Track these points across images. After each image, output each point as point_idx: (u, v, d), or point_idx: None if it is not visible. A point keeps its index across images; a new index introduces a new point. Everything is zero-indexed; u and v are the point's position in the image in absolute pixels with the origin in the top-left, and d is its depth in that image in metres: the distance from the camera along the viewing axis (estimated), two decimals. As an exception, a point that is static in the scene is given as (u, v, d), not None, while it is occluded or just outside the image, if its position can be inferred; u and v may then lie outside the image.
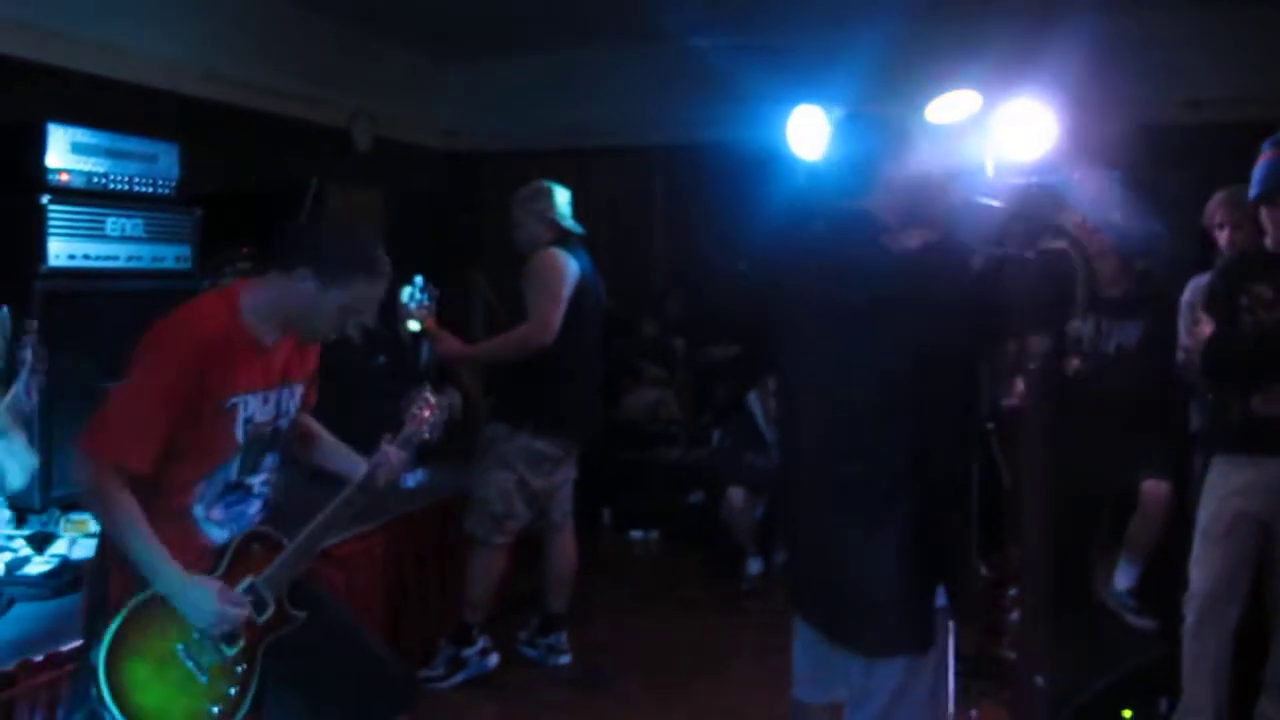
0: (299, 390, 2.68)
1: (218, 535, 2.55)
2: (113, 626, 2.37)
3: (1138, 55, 6.28)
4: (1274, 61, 6.27)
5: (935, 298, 2.37)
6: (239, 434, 2.49)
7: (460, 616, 4.39)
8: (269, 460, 2.64)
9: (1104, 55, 5.67)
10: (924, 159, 2.54)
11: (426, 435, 2.80)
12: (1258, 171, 3.34)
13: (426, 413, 2.83)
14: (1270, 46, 6.30)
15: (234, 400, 2.46)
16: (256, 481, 2.63)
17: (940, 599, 2.45)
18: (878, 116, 2.66)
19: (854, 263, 2.47)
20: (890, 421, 2.40)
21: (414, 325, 4.21)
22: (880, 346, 2.39)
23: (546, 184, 4.43)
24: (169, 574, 2.40)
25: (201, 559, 2.50)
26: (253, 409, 2.51)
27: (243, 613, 2.48)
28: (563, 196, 4.42)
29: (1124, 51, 6.06)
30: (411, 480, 4.81)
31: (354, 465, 2.78)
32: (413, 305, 4.20)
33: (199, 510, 2.51)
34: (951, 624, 2.50)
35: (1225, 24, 6.41)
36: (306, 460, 2.93)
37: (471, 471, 4.43)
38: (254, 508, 2.63)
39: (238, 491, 2.58)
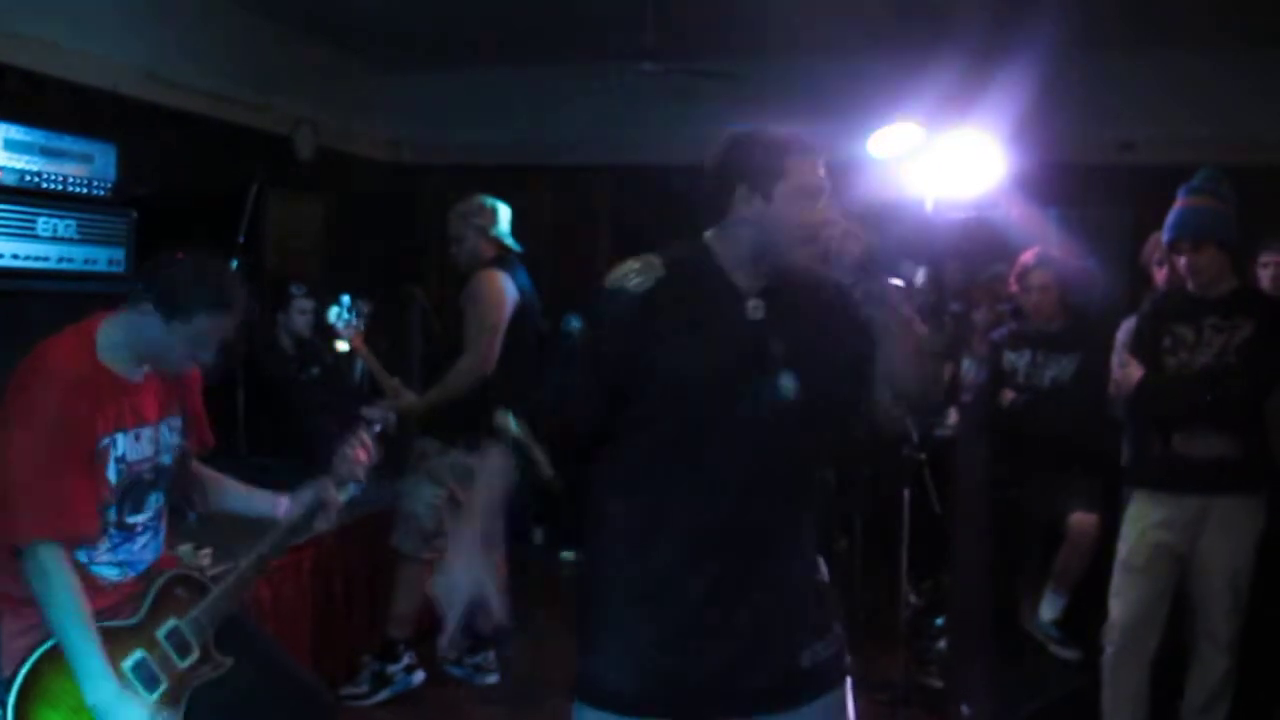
0: (177, 425, 2.61)
1: (110, 573, 2.48)
2: (22, 672, 2.27)
3: (1073, 96, 6.43)
4: (1203, 105, 6.45)
5: None
6: (111, 474, 2.42)
7: (386, 632, 4.35)
8: (153, 500, 2.56)
9: (1040, 95, 5.79)
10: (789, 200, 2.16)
11: (361, 478, 2.79)
12: (1170, 219, 3.47)
13: (362, 454, 2.79)
14: (1199, 90, 6.48)
15: (105, 441, 2.39)
16: (140, 520, 2.54)
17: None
18: (746, 134, 2.25)
19: None
20: None
21: (342, 345, 4.19)
22: None
23: (488, 199, 4.39)
24: (103, 684, 2.28)
25: (103, 597, 2.43)
26: (123, 448, 2.45)
27: None
28: (505, 213, 4.40)
29: (1060, 92, 6.19)
30: (344, 494, 4.73)
31: (267, 503, 2.73)
32: (340, 325, 4.18)
33: (82, 555, 2.42)
34: None
35: (1157, 68, 6.58)
36: (209, 508, 2.85)
37: (400, 486, 4.38)
38: (140, 544, 2.56)
39: (123, 532, 2.50)
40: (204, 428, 2.78)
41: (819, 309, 2.22)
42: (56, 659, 2.30)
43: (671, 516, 2.12)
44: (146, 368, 2.53)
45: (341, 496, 4.62)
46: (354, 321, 4.18)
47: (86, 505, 2.34)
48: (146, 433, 2.51)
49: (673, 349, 2.11)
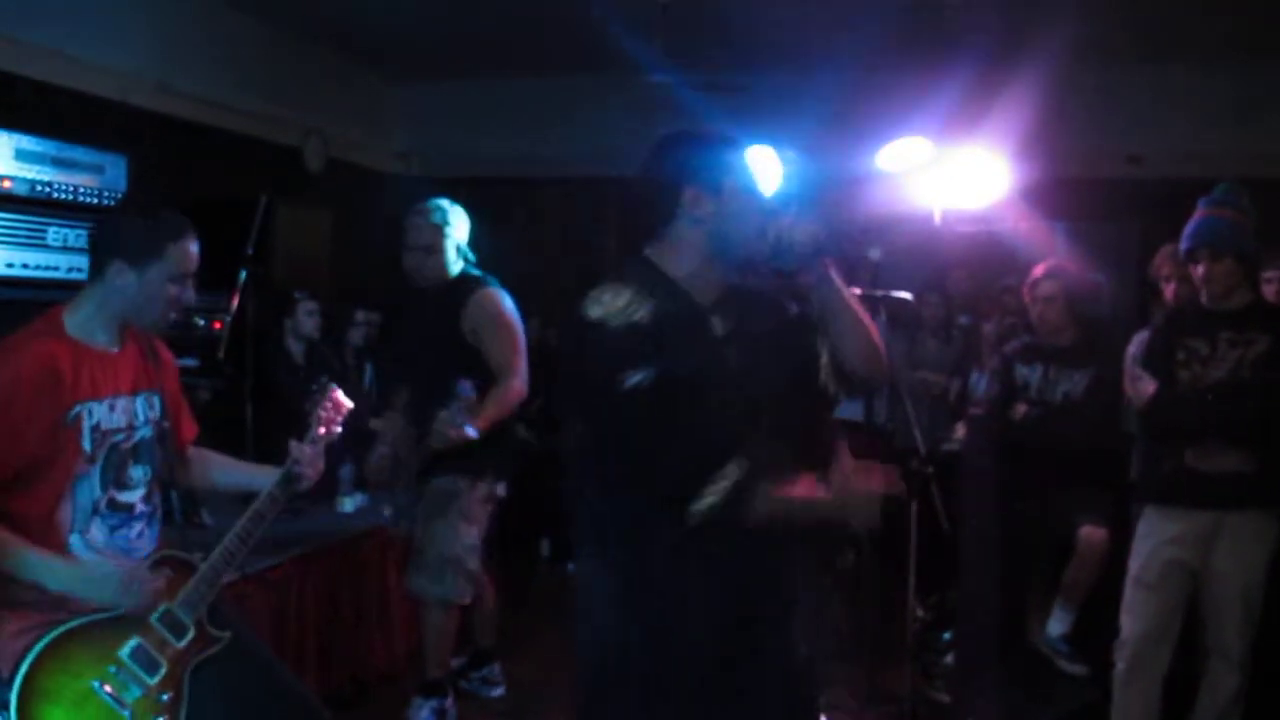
0: (155, 402, 2.64)
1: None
2: (20, 672, 2.28)
3: (1080, 110, 6.44)
4: (1211, 119, 6.46)
5: None
6: (86, 443, 2.44)
7: (429, 674, 4.12)
8: (137, 474, 2.57)
9: (1048, 109, 5.80)
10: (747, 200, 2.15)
11: (338, 432, 2.80)
12: (1189, 228, 3.45)
13: (334, 411, 2.81)
14: (1208, 105, 6.49)
15: (77, 409, 2.42)
16: (135, 500, 2.56)
17: None
18: (686, 136, 2.23)
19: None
20: None
21: (472, 432, 3.69)
22: None
23: (458, 205, 4.15)
24: (62, 571, 2.38)
25: None
26: (99, 416, 2.47)
27: (149, 578, 2.44)
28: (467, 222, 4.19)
29: (1067, 106, 6.21)
30: (351, 505, 4.74)
31: (258, 475, 2.75)
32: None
33: (76, 540, 2.44)
34: None
35: (1166, 82, 6.59)
36: (204, 484, 2.89)
37: (430, 532, 4.02)
38: (136, 530, 2.57)
39: (119, 513, 2.52)
40: (185, 415, 2.81)
41: (765, 320, 2.19)
42: (52, 656, 2.32)
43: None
44: (119, 336, 2.55)
45: (347, 507, 4.67)
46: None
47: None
48: (121, 402, 2.53)
49: (675, 374, 2.00)
